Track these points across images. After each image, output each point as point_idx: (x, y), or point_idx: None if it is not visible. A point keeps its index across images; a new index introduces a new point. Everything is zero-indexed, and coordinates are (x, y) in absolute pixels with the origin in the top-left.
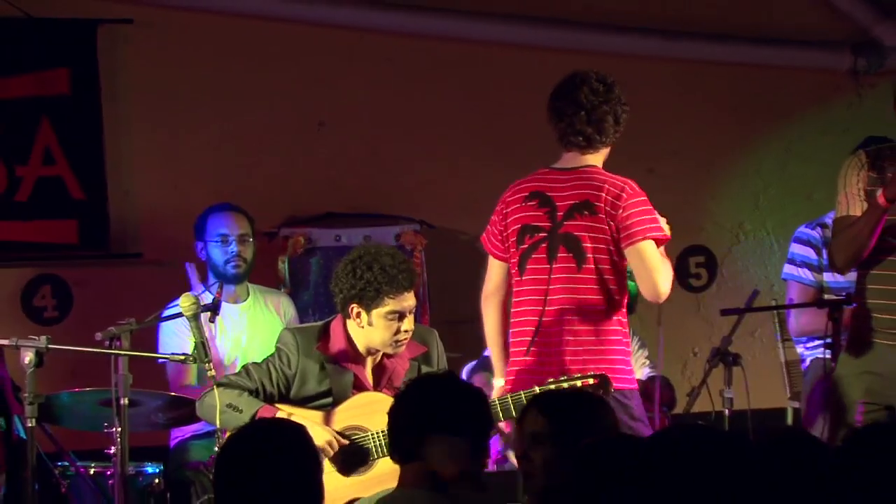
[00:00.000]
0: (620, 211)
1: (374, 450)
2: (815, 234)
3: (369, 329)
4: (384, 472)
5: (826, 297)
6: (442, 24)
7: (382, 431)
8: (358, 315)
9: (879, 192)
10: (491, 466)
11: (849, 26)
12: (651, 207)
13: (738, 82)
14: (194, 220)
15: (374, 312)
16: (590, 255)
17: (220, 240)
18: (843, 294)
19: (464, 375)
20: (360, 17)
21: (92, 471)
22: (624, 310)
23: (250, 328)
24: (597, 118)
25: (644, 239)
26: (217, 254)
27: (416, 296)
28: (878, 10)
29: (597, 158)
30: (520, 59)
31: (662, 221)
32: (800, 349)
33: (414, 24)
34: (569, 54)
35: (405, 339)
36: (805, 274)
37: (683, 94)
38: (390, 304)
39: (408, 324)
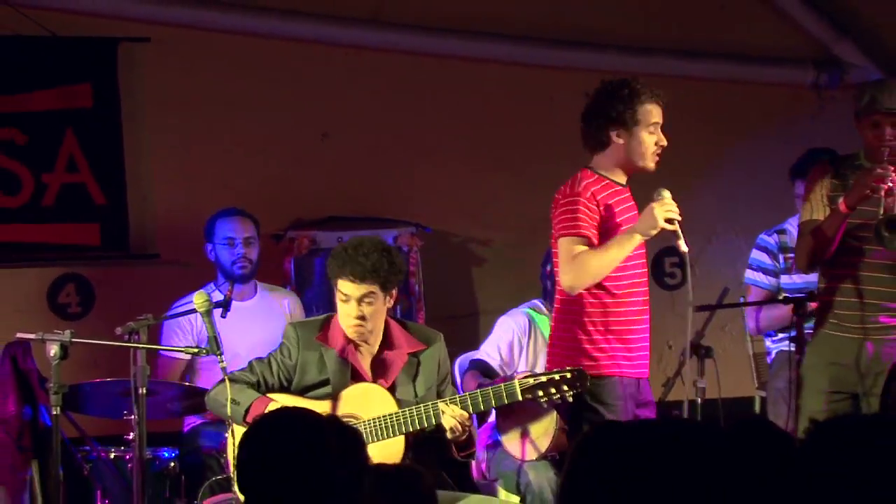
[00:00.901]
0: (554, 209)
1: (366, 436)
2: (772, 240)
3: (339, 308)
4: (372, 457)
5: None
6: (435, 43)
7: (373, 419)
8: (336, 288)
9: (841, 200)
10: (480, 452)
11: (811, 44)
12: (573, 207)
13: (708, 97)
14: (202, 217)
15: (338, 289)
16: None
17: (227, 242)
18: (804, 293)
19: (456, 369)
20: (360, 36)
21: (112, 455)
22: (592, 300)
23: (257, 324)
24: (584, 125)
25: (558, 236)
26: (224, 255)
27: (412, 292)
28: (838, 29)
29: (592, 160)
30: (509, 74)
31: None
32: (767, 342)
33: (410, 43)
34: (554, 70)
35: (355, 325)
36: (761, 278)
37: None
38: (340, 285)
39: (354, 309)
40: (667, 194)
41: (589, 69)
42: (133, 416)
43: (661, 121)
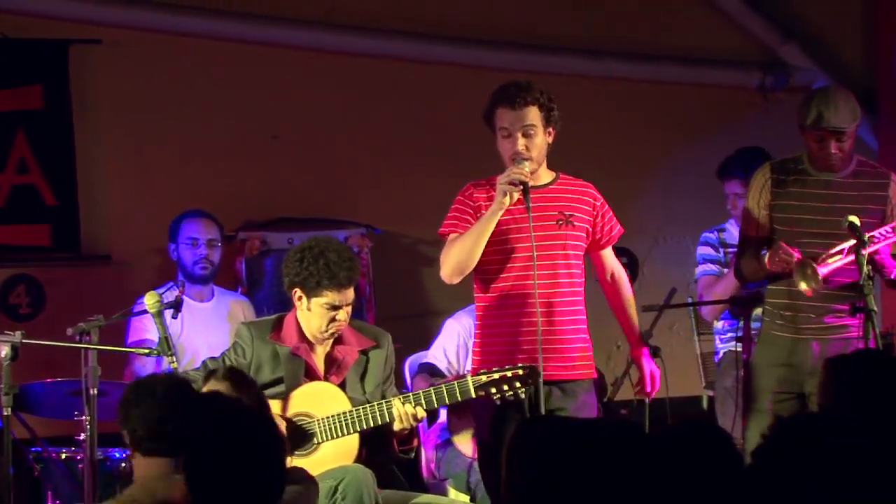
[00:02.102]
0: None
1: (318, 434)
2: (713, 236)
3: (307, 314)
4: (326, 455)
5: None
6: (384, 45)
7: (327, 418)
8: (300, 299)
9: (766, 258)
10: (430, 452)
11: (757, 47)
12: (453, 205)
13: (656, 99)
14: (158, 224)
15: (314, 301)
16: None
17: (190, 243)
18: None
19: (406, 369)
20: (310, 38)
21: (63, 456)
22: (478, 303)
23: (216, 325)
24: None
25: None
26: (187, 255)
27: (362, 293)
28: (783, 33)
29: None
30: (456, 76)
31: None
32: (716, 341)
33: (360, 45)
34: (501, 73)
35: (336, 329)
36: (710, 268)
37: (607, 110)
38: (328, 297)
39: (342, 315)
40: (520, 163)
41: (537, 72)
42: (84, 417)
43: (509, 125)
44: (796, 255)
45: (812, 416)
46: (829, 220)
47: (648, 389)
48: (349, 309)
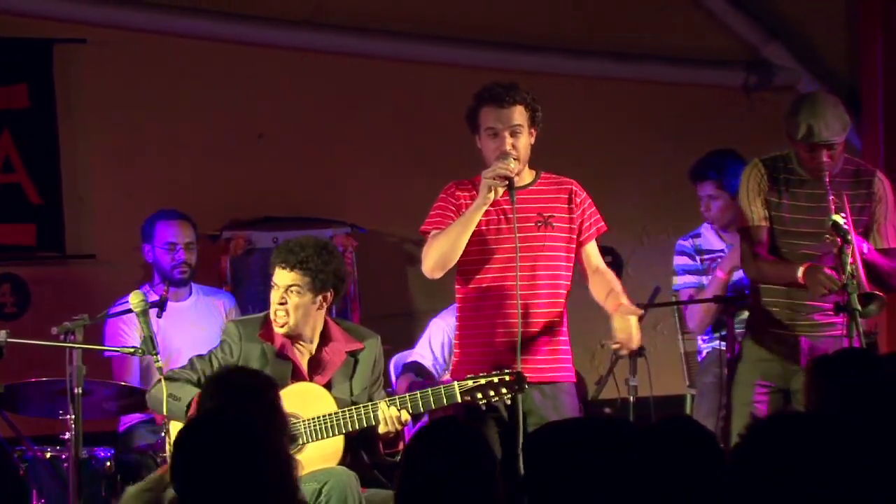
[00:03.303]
0: None
1: (303, 435)
2: (688, 244)
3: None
4: (312, 457)
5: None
6: (370, 45)
7: (313, 419)
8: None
9: (800, 274)
10: None
11: (741, 47)
12: (435, 203)
13: (641, 98)
14: (138, 217)
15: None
16: None
17: (167, 247)
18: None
19: (391, 367)
20: (296, 37)
21: (48, 455)
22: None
23: (194, 323)
24: None
25: None
26: (164, 259)
27: (347, 292)
28: (767, 32)
29: None
30: (443, 76)
31: None
32: (698, 342)
33: (345, 45)
34: (489, 72)
35: (275, 310)
36: (689, 279)
37: (591, 109)
38: (273, 277)
39: (278, 296)
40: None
41: (524, 72)
42: (69, 416)
43: (495, 125)
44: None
45: (787, 416)
46: (820, 219)
47: (624, 341)
48: (299, 301)
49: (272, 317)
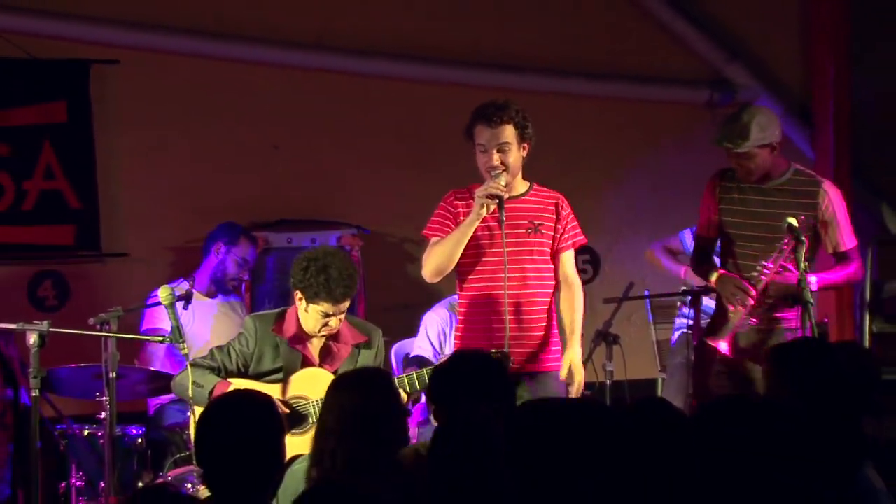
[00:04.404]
0: None
1: (312, 414)
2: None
3: (305, 314)
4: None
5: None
6: (370, 65)
7: (320, 400)
8: (300, 300)
9: (714, 280)
10: (413, 429)
11: (705, 68)
12: (436, 211)
13: (616, 113)
14: (171, 225)
15: (311, 306)
16: None
17: (240, 262)
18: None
19: (392, 355)
20: (305, 59)
21: (86, 432)
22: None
23: (218, 318)
24: None
25: None
26: (231, 269)
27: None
28: (728, 54)
29: None
30: (436, 92)
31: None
32: (675, 323)
33: (349, 65)
34: (477, 90)
35: (327, 332)
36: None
37: (576, 124)
38: (323, 307)
39: (334, 322)
40: (497, 177)
41: (509, 89)
42: (104, 398)
43: (485, 142)
44: (750, 301)
45: (730, 399)
46: (763, 224)
47: (568, 384)
48: (342, 317)
49: (318, 334)
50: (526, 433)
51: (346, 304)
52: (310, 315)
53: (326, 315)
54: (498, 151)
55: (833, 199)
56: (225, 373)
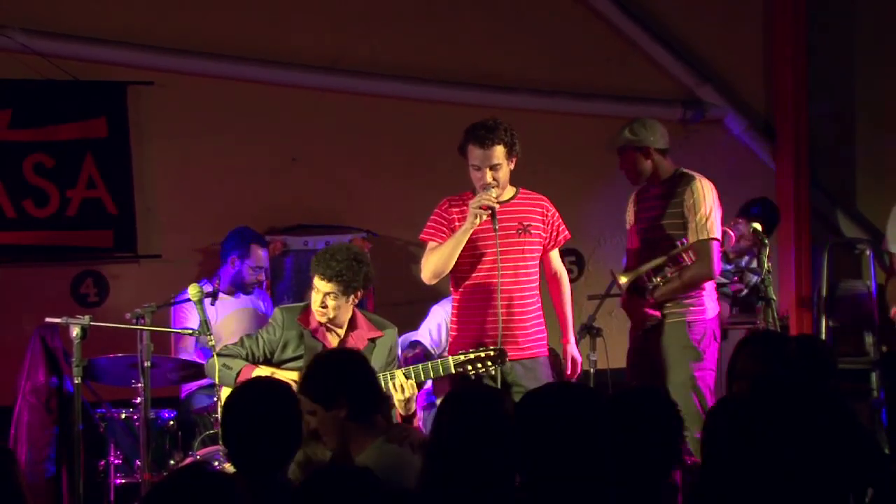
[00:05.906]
0: None
1: None
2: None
3: (312, 293)
4: None
5: None
6: (380, 86)
7: None
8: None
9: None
10: (418, 412)
11: (679, 88)
12: (431, 217)
13: (598, 129)
14: (200, 230)
15: (314, 280)
16: None
17: (254, 268)
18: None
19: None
20: (322, 81)
21: (123, 415)
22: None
23: (242, 313)
24: None
25: None
26: (248, 275)
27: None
28: (700, 77)
29: None
30: (437, 111)
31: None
32: None
33: (361, 86)
34: (475, 108)
35: (324, 315)
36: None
37: (558, 139)
38: (317, 281)
39: (330, 304)
40: (488, 190)
41: (503, 108)
42: (139, 384)
43: (479, 162)
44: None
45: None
46: (650, 226)
47: (569, 373)
48: (336, 304)
49: (315, 314)
50: (532, 419)
51: (339, 288)
52: (313, 293)
53: (315, 289)
54: (490, 170)
55: (698, 195)
56: (252, 358)
